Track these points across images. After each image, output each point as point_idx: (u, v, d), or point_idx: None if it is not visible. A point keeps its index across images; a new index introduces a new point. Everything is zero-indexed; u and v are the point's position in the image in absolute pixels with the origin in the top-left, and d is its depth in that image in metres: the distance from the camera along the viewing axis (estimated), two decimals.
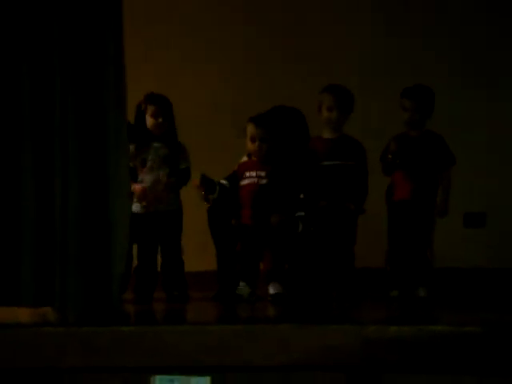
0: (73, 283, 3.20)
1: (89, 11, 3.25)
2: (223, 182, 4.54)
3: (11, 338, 3.08)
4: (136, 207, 4.44)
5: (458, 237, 5.92)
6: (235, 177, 4.54)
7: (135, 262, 4.55)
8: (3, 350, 3.06)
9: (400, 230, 4.61)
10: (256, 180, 4.50)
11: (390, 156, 4.59)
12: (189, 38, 5.89)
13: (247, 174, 4.53)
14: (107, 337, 3.04)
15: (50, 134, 3.24)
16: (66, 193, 3.21)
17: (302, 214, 4.42)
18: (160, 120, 4.48)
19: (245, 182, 4.52)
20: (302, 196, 4.44)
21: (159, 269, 4.55)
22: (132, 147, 4.47)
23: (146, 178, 4.47)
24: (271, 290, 4.40)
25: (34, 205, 3.23)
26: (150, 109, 4.48)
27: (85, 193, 3.22)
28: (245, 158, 4.61)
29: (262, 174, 4.50)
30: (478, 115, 5.96)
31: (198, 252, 5.31)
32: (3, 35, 3.27)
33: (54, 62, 3.25)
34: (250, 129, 4.50)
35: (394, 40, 5.85)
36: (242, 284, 4.41)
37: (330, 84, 4.67)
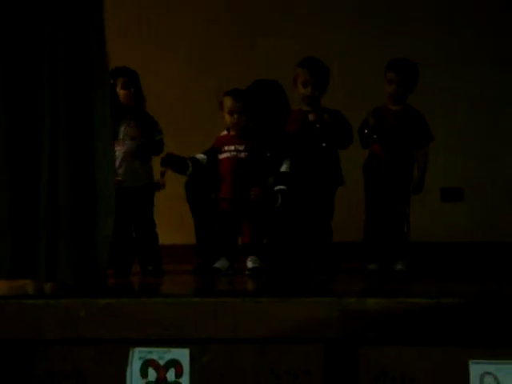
0: (61, 253, 3.20)
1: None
2: (200, 156, 4.52)
3: None
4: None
5: (436, 211, 5.97)
6: (213, 151, 4.53)
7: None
8: None
9: (377, 203, 4.62)
10: (235, 154, 4.49)
11: (366, 131, 4.59)
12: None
13: (226, 147, 4.52)
14: (85, 309, 3.04)
15: (39, 109, 3.25)
16: (54, 168, 3.22)
17: (282, 187, 4.42)
18: (132, 90, 4.49)
19: (223, 155, 4.51)
20: (282, 169, 4.44)
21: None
22: None
23: (118, 150, 4.44)
24: (250, 264, 4.40)
25: (17, 181, 3.24)
26: (120, 81, 4.48)
27: (72, 167, 3.23)
28: (224, 133, 4.60)
29: (241, 147, 4.49)
30: (458, 91, 6.00)
31: (176, 226, 5.32)
32: None
33: (43, 39, 3.27)
34: (228, 102, 4.49)
35: (380, 15, 5.88)
36: (220, 258, 4.41)
37: (305, 58, 4.64)
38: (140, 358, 3.06)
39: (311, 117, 4.49)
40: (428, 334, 2.95)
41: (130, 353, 3.07)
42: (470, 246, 5.82)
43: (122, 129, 4.47)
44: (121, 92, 4.47)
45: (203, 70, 6.08)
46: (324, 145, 4.49)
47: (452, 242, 5.84)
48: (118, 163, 4.42)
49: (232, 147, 4.50)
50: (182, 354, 3.05)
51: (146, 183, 4.50)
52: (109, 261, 4.42)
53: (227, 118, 4.51)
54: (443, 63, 6.02)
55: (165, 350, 3.06)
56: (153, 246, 4.48)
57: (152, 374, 3.07)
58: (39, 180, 3.23)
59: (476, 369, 2.93)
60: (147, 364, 3.06)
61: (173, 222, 5.38)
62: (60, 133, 3.25)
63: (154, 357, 3.07)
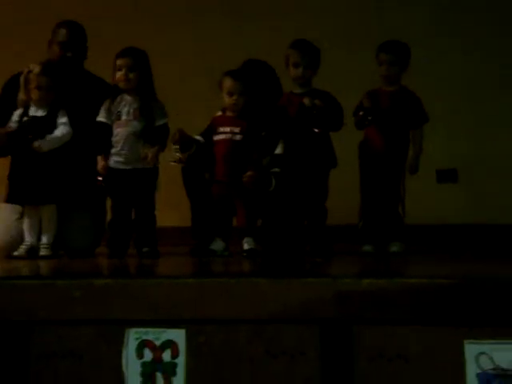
0: None
1: None
2: (198, 137, 4.51)
3: None
4: (114, 163, 4.42)
5: (432, 193, 5.98)
6: (209, 132, 4.52)
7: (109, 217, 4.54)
8: None
9: (372, 185, 4.63)
10: (230, 136, 4.48)
11: (360, 113, 4.60)
12: None
13: (221, 129, 4.50)
14: (82, 289, 3.04)
15: None
16: None
17: (276, 170, 4.43)
18: (138, 71, 4.40)
19: (219, 137, 4.50)
20: (276, 152, 4.44)
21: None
22: (106, 103, 4.44)
23: (120, 132, 4.42)
24: (245, 246, 4.41)
25: None
26: (125, 62, 4.42)
27: None
28: (219, 113, 4.59)
29: (236, 129, 4.48)
30: (452, 72, 6.00)
31: (173, 207, 5.32)
32: None
33: None
34: (228, 83, 4.46)
35: None
36: (215, 239, 4.42)
37: (296, 39, 4.65)
38: (136, 339, 3.07)
39: (306, 101, 4.49)
40: (423, 315, 2.96)
41: (126, 333, 3.07)
42: (464, 227, 5.84)
43: (126, 110, 4.44)
44: (127, 73, 4.41)
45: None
46: (317, 131, 4.50)
47: (447, 223, 5.86)
48: (120, 144, 4.40)
49: (228, 129, 4.48)
50: (178, 335, 3.06)
51: (151, 167, 4.46)
52: (100, 242, 4.47)
53: (226, 98, 4.48)
54: (437, 41, 6.03)
55: (161, 330, 3.06)
56: (150, 227, 4.47)
57: (148, 355, 3.07)
58: None
59: (471, 349, 2.94)
60: (143, 344, 3.07)
61: (170, 203, 5.38)
62: None
63: (150, 337, 3.07)
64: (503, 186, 5.99)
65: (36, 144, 4.38)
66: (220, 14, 6.32)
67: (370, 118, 4.58)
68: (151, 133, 4.41)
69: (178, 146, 4.44)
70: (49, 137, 4.43)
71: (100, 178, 4.43)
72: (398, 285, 2.99)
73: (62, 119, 4.48)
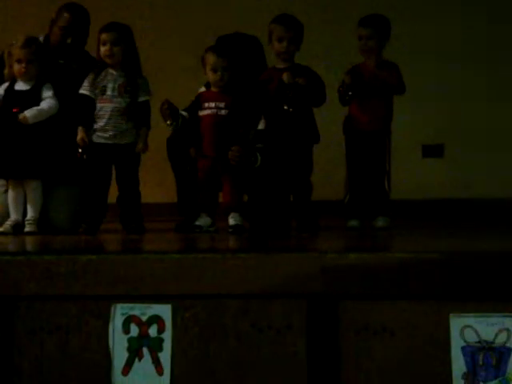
0: None
1: None
2: (183, 113, 4.49)
3: None
4: (97, 137, 4.40)
5: (418, 168, 5.99)
6: (194, 107, 4.50)
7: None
8: None
9: (357, 160, 4.64)
10: (215, 111, 4.47)
11: (341, 88, 4.61)
12: None
13: (206, 104, 4.48)
14: (66, 265, 3.04)
15: None
16: None
17: (260, 146, 4.43)
18: (122, 46, 4.38)
19: (204, 112, 4.48)
20: (259, 127, 4.44)
21: (115, 201, 4.52)
22: (91, 76, 4.42)
23: (104, 107, 4.40)
24: (231, 221, 4.41)
25: None
26: (109, 36, 4.39)
27: None
28: (203, 89, 4.57)
29: (221, 104, 4.46)
30: (439, 46, 6.00)
31: (157, 183, 5.32)
32: None
33: None
34: (211, 59, 4.44)
35: None
36: (202, 215, 4.42)
37: (279, 14, 4.64)
38: (122, 314, 3.07)
39: (285, 77, 4.47)
40: (408, 289, 2.97)
41: (112, 309, 3.07)
42: (448, 202, 5.85)
43: (111, 85, 4.42)
44: (111, 48, 4.38)
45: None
46: (287, 109, 4.48)
47: (432, 198, 5.88)
48: (105, 120, 4.38)
49: (212, 104, 4.47)
50: (164, 310, 3.06)
51: (133, 142, 4.45)
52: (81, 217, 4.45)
53: (210, 74, 4.46)
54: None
55: (147, 305, 3.07)
56: (135, 203, 4.47)
57: (134, 330, 3.08)
58: None
59: (456, 322, 2.96)
60: (129, 320, 3.07)
61: (154, 179, 5.38)
62: None
63: (136, 313, 3.07)
64: (489, 161, 6.01)
65: (21, 116, 4.36)
66: None
67: (350, 93, 4.59)
68: (134, 109, 4.40)
69: (168, 118, 4.40)
70: (35, 109, 4.41)
71: (80, 150, 4.41)
72: (384, 259, 3.00)
73: (48, 92, 4.45)
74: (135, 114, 4.41)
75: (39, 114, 4.41)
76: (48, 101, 4.44)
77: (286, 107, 4.41)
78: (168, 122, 4.41)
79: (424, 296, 2.98)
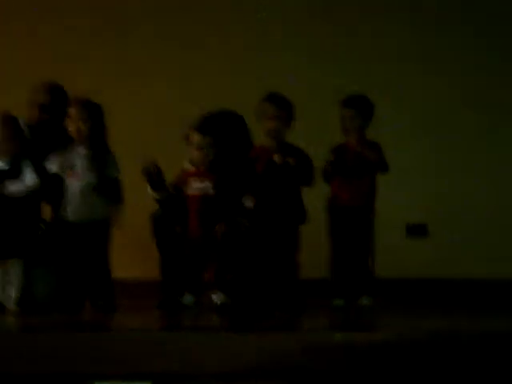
0: None
1: None
2: (169, 188, 4.50)
3: None
4: (66, 215, 4.40)
5: (401, 247, 5.98)
6: (179, 184, 4.50)
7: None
8: None
9: (340, 237, 4.66)
10: (203, 191, 4.47)
11: (326, 165, 4.67)
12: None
13: (193, 184, 4.49)
14: (45, 344, 3.01)
15: None
16: None
17: (246, 222, 4.43)
18: (91, 122, 4.42)
19: (190, 191, 4.49)
20: (245, 204, 4.45)
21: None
22: (59, 153, 4.44)
23: (74, 184, 4.42)
24: (215, 299, 4.39)
25: None
26: (78, 113, 4.43)
27: None
28: (188, 165, 4.58)
29: (208, 183, 4.47)
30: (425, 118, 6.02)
31: (138, 260, 5.27)
32: None
33: None
34: (196, 138, 4.47)
35: None
36: (186, 294, 4.40)
37: (270, 93, 4.68)
38: None
39: (277, 158, 4.52)
40: (392, 369, 2.95)
41: None
42: (432, 281, 5.84)
43: (80, 161, 4.45)
44: (80, 124, 4.42)
45: None
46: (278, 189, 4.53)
47: (417, 277, 5.86)
48: (74, 197, 4.39)
49: (199, 183, 4.47)
50: None
51: (103, 218, 4.45)
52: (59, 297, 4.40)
53: (195, 153, 4.48)
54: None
55: None
56: (105, 281, 4.43)
57: None
58: None
59: None
60: None
61: (136, 255, 5.34)
62: None
63: None
64: (473, 241, 6.01)
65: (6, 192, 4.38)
66: None
67: (330, 169, 4.65)
68: (104, 185, 4.43)
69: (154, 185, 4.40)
70: (20, 184, 4.41)
71: (42, 227, 4.42)
72: (369, 339, 2.99)
73: (28, 169, 4.46)
74: (104, 191, 4.44)
75: (20, 189, 4.41)
76: (29, 177, 4.44)
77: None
78: (155, 195, 4.40)
79: (407, 378, 2.96)
